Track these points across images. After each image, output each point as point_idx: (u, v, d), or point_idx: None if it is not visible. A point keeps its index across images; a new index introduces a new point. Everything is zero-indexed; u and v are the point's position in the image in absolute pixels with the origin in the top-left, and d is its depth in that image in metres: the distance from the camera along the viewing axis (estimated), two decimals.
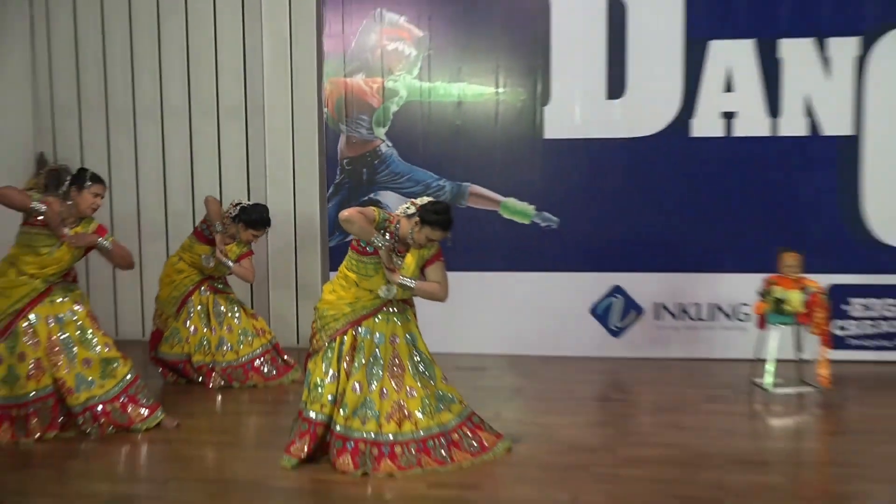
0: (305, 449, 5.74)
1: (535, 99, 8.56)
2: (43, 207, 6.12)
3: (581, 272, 8.55)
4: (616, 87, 8.46)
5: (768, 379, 7.44)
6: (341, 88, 8.71)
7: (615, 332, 8.61)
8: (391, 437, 5.62)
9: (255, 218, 7.63)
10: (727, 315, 8.46)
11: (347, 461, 5.57)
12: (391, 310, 5.82)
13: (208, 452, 6.38)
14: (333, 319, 5.79)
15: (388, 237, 5.62)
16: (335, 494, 5.57)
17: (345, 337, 5.75)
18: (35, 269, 6.23)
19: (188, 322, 7.76)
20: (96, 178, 6.42)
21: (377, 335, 5.80)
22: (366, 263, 5.70)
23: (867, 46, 8.14)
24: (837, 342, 7.88)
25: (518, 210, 8.56)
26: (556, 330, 8.49)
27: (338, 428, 5.65)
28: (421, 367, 5.86)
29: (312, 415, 5.74)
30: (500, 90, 8.61)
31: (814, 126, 8.25)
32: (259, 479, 5.82)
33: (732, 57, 8.29)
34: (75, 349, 6.35)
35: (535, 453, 6.11)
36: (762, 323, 7.52)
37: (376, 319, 5.78)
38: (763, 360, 7.52)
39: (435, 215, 5.54)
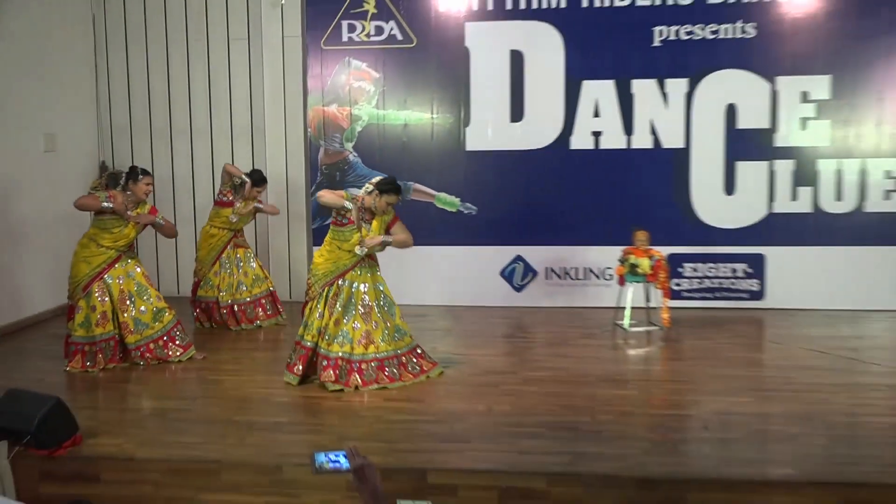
0: (300, 368, 6.47)
1: (460, 122, 9.12)
2: (111, 204, 6.85)
3: (493, 246, 9.18)
4: (517, 113, 9.05)
5: (626, 321, 8.12)
6: (320, 114, 9.25)
7: (518, 289, 9.26)
8: (359, 357, 6.30)
9: (256, 178, 8.32)
10: (597, 276, 9.10)
11: (330, 374, 6.28)
12: (364, 265, 6.48)
13: (227, 377, 6.87)
14: (323, 275, 6.51)
15: (356, 207, 6.34)
16: (321, 406, 6.15)
17: (331, 287, 6.43)
18: (109, 243, 6.96)
19: (219, 272, 8.31)
20: (145, 172, 7.20)
21: (354, 284, 6.44)
22: (343, 232, 6.43)
23: (692, 85, 8.80)
24: (674, 294, 8.55)
25: (448, 201, 9.18)
26: (476, 287, 9.08)
27: (321, 350, 6.37)
28: (385, 307, 6.52)
29: (307, 343, 6.45)
30: (435, 116, 9.15)
31: (657, 141, 8.91)
32: (266, 395, 6.42)
33: (599, 92, 8.89)
34: (135, 300, 7.04)
35: (461, 376, 6.77)
36: (622, 281, 8.13)
37: (354, 272, 6.45)
38: (622, 308, 8.17)
39: (388, 185, 6.38)
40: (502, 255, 9.27)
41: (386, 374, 6.37)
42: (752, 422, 5.75)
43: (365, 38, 9.13)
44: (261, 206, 8.44)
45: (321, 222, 9.29)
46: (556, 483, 4.85)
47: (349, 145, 9.32)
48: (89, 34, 9.63)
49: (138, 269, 7.18)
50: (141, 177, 7.10)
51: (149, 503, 5.07)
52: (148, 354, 7.07)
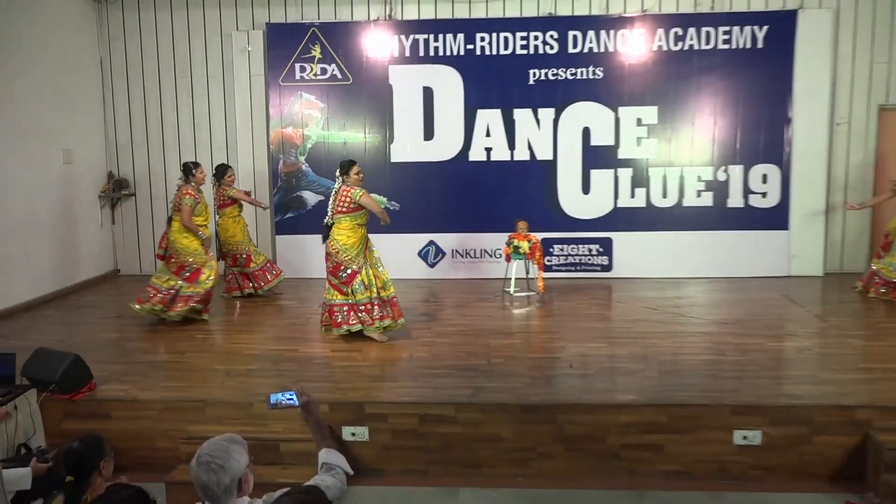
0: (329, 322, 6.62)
1: (386, 140, 9.46)
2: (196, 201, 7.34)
3: (412, 233, 9.40)
4: (429, 133, 9.41)
5: (511, 288, 8.42)
6: (280, 134, 9.51)
7: (431, 266, 9.56)
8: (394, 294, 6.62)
9: (219, 171, 8.35)
10: (490, 255, 9.45)
11: (397, 311, 6.64)
12: (369, 242, 6.67)
13: (213, 336, 7.05)
14: (357, 250, 6.54)
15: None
16: (282, 356, 6.22)
17: (367, 255, 6.59)
18: (203, 223, 7.42)
19: (241, 251, 8.43)
20: (196, 164, 7.55)
21: (371, 247, 6.63)
22: (360, 215, 6.55)
23: (558, 113, 9.25)
24: (546, 268, 8.88)
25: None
26: (401, 264, 8.81)
27: (386, 297, 6.59)
28: (381, 268, 6.65)
29: (374, 297, 6.56)
30: (367, 136, 9.48)
31: (532, 155, 9.34)
32: (240, 349, 6.47)
33: (489, 118, 9.33)
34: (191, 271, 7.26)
35: (390, 332, 6.75)
36: (508, 259, 8.44)
37: (370, 246, 6.65)
38: (508, 279, 8.48)
39: (348, 164, 6.61)
40: (419, 240, 9.58)
41: (397, 310, 6.71)
42: (604, 361, 6.02)
43: (313, 77, 9.45)
44: (247, 197, 8.51)
45: (281, 217, 9.74)
46: (461, 410, 5.09)
47: (302, 158, 9.60)
48: (98, 71, 9.83)
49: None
50: (194, 171, 7.52)
51: (149, 434, 5.22)
52: (185, 305, 7.34)
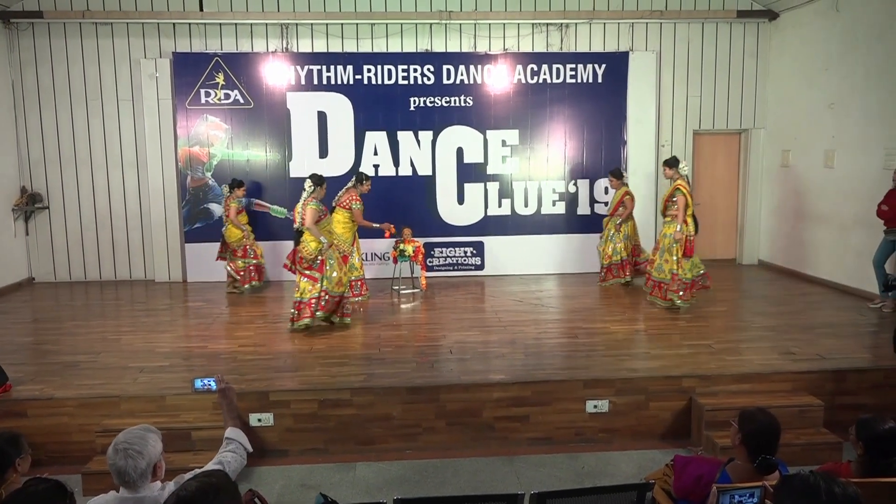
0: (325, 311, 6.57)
1: (285, 158, 9.31)
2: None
3: None
4: (323, 152, 9.33)
5: (398, 287, 8.45)
6: (187, 152, 9.22)
7: None
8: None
9: (236, 182, 8.44)
10: (380, 258, 9.39)
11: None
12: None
13: (147, 335, 6.72)
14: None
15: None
16: (192, 352, 6.04)
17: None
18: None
19: (253, 249, 8.51)
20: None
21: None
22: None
23: (436, 135, 9.35)
24: (428, 268, 9.01)
25: (279, 211, 9.30)
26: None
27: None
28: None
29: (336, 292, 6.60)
30: (268, 154, 9.31)
31: (414, 171, 9.38)
32: (151, 347, 6.27)
33: (376, 139, 9.31)
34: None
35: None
36: (395, 261, 8.42)
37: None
38: (397, 278, 8.48)
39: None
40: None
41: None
42: (478, 346, 6.06)
43: (217, 101, 9.22)
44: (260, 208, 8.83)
45: (189, 227, 9.45)
46: (357, 394, 5.07)
47: (209, 174, 9.35)
48: (9, 93, 9.24)
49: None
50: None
51: (65, 429, 4.97)
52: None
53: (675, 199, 7.19)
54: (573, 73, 9.39)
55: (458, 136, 9.42)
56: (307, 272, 6.48)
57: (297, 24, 9.21)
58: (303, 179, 8.65)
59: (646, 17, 9.57)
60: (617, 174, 8.68)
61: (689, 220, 7.16)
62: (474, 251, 9.60)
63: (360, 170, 9.03)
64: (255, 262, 8.49)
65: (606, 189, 9.56)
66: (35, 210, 9.39)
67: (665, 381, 5.25)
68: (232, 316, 7.53)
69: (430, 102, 9.33)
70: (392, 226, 8.01)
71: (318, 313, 6.45)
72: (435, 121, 9.36)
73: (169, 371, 5.59)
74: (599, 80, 9.46)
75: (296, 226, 6.63)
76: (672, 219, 7.27)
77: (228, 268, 8.53)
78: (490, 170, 9.52)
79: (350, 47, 9.33)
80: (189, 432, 4.82)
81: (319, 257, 6.47)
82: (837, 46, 8.42)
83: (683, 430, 5.21)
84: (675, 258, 7.27)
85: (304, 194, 6.61)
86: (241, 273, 8.47)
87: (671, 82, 9.71)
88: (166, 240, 9.48)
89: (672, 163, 7.40)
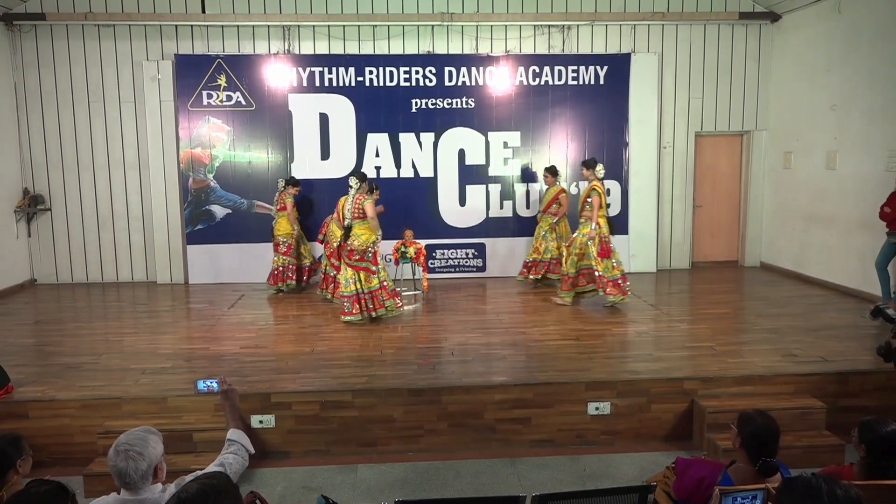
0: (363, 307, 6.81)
1: (287, 159, 9.31)
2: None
3: (311, 241, 8.94)
4: (325, 153, 9.32)
5: (400, 288, 8.17)
6: (189, 154, 9.21)
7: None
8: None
9: (292, 180, 8.50)
10: (382, 259, 8.73)
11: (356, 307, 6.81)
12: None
13: (149, 336, 6.69)
14: (375, 244, 6.91)
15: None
16: (193, 354, 6.05)
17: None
18: None
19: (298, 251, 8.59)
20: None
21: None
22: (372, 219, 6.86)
23: (437, 137, 9.32)
24: (430, 270, 8.91)
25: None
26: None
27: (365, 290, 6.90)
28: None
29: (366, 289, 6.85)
30: (270, 156, 9.30)
31: (416, 173, 9.36)
32: (154, 349, 6.22)
33: (378, 141, 9.29)
34: None
35: (293, 328, 6.81)
36: (397, 262, 8.38)
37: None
38: (398, 279, 8.32)
39: (361, 175, 7.16)
40: (319, 246, 8.97)
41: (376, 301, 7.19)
42: (480, 348, 6.04)
43: (219, 103, 9.21)
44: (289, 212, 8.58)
45: (191, 228, 9.42)
46: (358, 396, 5.05)
47: (210, 175, 9.34)
48: (12, 95, 9.23)
49: None
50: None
51: (67, 430, 4.95)
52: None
53: (590, 199, 7.21)
54: (575, 74, 9.36)
55: (459, 138, 9.41)
56: (362, 265, 6.72)
57: (298, 26, 9.21)
58: (305, 181, 9.08)
59: (648, 18, 9.57)
60: (553, 171, 8.65)
61: (603, 220, 7.22)
62: (476, 253, 9.58)
63: (361, 171, 8.96)
64: (296, 262, 8.51)
65: (609, 191, 9.55)
66: (37, 212, 9.40)
67: (667, 384, 5.23)
68: (233, 317, 7.57)
69: (432, 104, 9.32)
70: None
71: (376, 311, 6.86)
72: (436, 122, 9.34)
73: (171, 373, 5.58)
74: (601, 82, 9.44)
75: (346, 222, 6.84)
76: (587, 220, 7.31)
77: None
78: (492, 171, 9.51)
79: (352, 49, 9.30)
80: (190, 434, 4.80)
81: (371, 249, 6.69)
82: (839, 48, 8.43)
83: (685, 432, 5.20)
84: (591, 258, 7.33)
85: (352, 191, 6.84)
86: (276, 271, 8.46)
87: (673, 84, 9.70)
88: (168, 241, 9.46)
89: (590, 164, 7.45)
